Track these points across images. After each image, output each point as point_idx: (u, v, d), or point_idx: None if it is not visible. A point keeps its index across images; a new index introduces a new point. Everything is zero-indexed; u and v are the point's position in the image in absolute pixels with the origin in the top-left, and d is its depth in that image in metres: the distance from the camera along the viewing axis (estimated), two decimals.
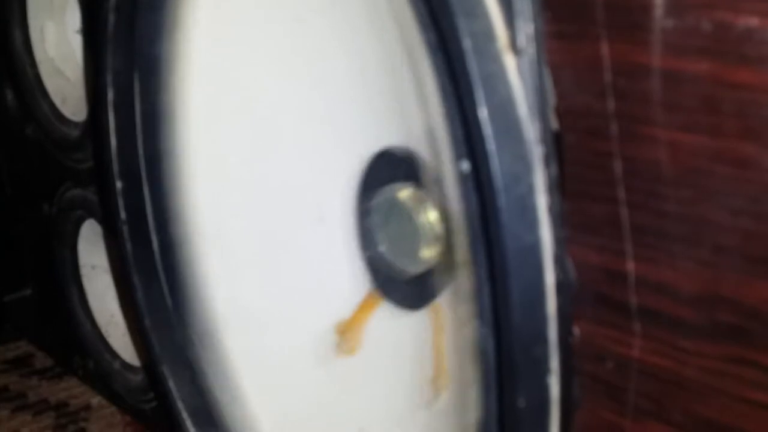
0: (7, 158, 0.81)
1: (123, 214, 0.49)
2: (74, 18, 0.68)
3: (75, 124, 0.65)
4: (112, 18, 0.45)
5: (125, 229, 0.49)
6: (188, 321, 0.50)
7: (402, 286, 0.47)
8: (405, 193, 0.45)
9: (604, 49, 0.30)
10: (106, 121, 0.46)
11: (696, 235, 0.29)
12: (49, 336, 0.88)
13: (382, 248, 0.47)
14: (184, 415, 0.51)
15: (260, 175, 0.47)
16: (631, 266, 0.32)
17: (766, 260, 0.28)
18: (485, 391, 0.31)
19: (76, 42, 0.69)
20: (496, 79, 0.27)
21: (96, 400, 0.80)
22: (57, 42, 0.69)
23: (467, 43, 0.26)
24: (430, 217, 0.44)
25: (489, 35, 0.27)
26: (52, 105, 0.67)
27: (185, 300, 0.50)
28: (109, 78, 0.46)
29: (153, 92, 0.46)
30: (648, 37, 0.29)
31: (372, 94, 0.43)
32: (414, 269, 0.46)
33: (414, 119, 0.41)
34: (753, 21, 0.26)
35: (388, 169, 0.45)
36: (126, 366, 0.73)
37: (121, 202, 0.49)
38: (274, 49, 0.45)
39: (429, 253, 0.45)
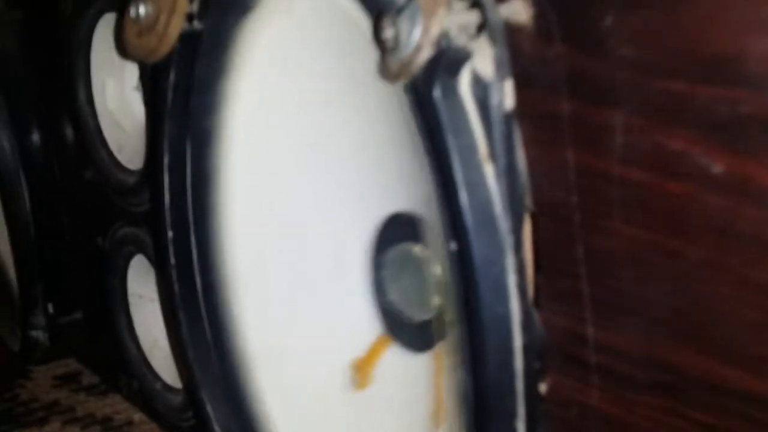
0: (67, 194, 0.89)
1: (173, 260, 0.56)
2: (132, 76, 0.76)
3: (130, 172, 0.72)
4: (170, 95, 0.53)
5: (174, 272, 0.57)
6: (225, 354, 0.58)
7: (410, 331, 0.54)
8: (414, 250, 0.52)
9: (570, 154, 0.37)
10: (161, 180, 0.54)
11: (638, 309, 0.36)
12: (96, 356, 0.96)
13: (393, 297, 0.54)
14: None
15: (289, 231, 0.55)
16: (590, 331, 0.39)
17: (690, 332, 0.34)
18: (466, 429, 0.38)
19: (134, 97, 0.76)
20: (477, 184, 0.34)
21: (138, 416, 0.88)
22: (116, 96, 0.77)
23: (454, 157, 0.33)
24: (435, 273, 0.51)
25: (472, 149, 0.34)
26: (110, 153, 0.75)
27: (223, 335, 0.57)
28: (166, 144, 0.54)
29: (202, 157, 0.54)
30: (603, 149, 0.35)
31: (385, 166, 0.50)
32: (420, 316, 0.53)
33: (419, 192, 0.48)
34: (680, 144, 0.33)
35: (399, 229, 0.52)
36: (167, 387, 0.80)
37: (171, 249, 0.56)
38: (303, 125, 0.52)
39: (433, 303, 0.52)
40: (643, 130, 0.34)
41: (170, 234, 0.56)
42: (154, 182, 0.55)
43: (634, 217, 0.35)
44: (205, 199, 0.55)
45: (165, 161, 0.53)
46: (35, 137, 0.88)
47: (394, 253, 0.53)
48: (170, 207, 0.55)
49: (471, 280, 0.35)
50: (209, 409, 0.58)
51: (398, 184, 0.49)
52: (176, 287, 0.57)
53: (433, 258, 0.51)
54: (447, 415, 0.50)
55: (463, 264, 0.35)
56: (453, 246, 0.36)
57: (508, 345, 0.35)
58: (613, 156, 0.35)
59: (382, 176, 0.50)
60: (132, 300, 0.83)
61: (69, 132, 0.86)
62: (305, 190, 0.53)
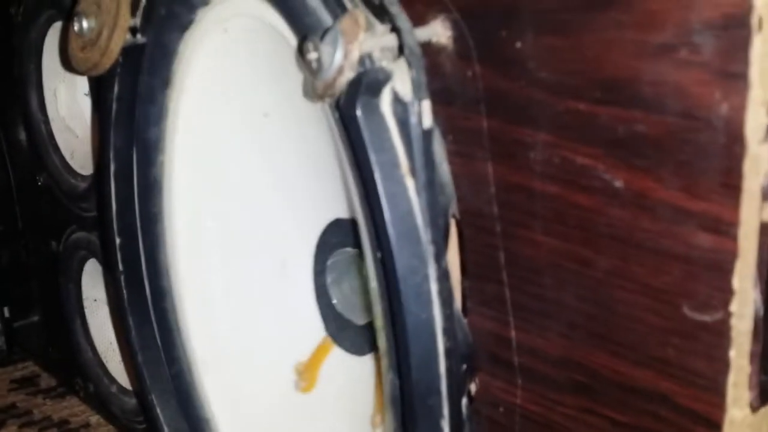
0: (21, 198, 0.89)
1: (121, 266, 0.58)
2: (84, 82, 0.77)
3: (82, 177, 0.73)
4: (115, 106, 0.54)
5: (122, 278, 0.58)
6: (174, 358, 0.59)
7: (352, 334, 0.55)
8: (354, 255, 0.54)
9: (490, 168, 0.39)
10: (108, 188, 0.55)
11: (555, 313, 0.38)
12: (53, 359, 0.97)
13: (335, 301, 0.56)
14: None
15: (232, 237, 0.56)
16: (513, 333, 0.41)
17: (602, 336, 0.36)
18: (395, 429, 0.40)
19: (85, 103, 0.78)
20: (399, 197, 0.36)
21: (95, 419, 0.89)
22: (68, 102, 0.78)
23: (377, 172, 0.35)
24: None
25: (394, 164, 0.35)
26: (62, 158, 0.76)
27: (171, 340, 0.59)
28: (111, 153, 0.55)
29: (147, 166, 0.55)
30: (520, 163, 0.37)
31: (323, 174, 0.52)
32: (362, 320, 0.55)
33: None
34: (586, 160, 0.35)
35: (339, 235, 0.54)
36: (122, 390, 0.81)
37: (119, 255, 0.57)
38: (245, 135, 0.54)
39: (372, 308, 0.54)
40: (554, 147, 0.36)
41: (118, 240, 0.57)
42: (101, 190, 0.56)
43: (550, 227, 0.37)
44: (151, 206, 0.56)
45: (111, 169, 0.54)
46: None
47: (335, 258, 0.55)
48: (117, 214, 0.56)
49: (394, 288, 0.36)
50: (159, 411, 0.59)
51: (338, 192, 0.51)
52: (125, 293, 0.58)
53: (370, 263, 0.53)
54: (384, 417, 0.52)
55: (386, 272, 0.36)
56: (378, 255, 0.38)
57: (432, 349, 0.37)
58: (529, 170, 0.37)
59: (322, 184, 0.52)
60: (87, 303, 0.84)
61: (23, 136, 0.87)
62: (249, 198, 0.55)
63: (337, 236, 0.54)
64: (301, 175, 0.53)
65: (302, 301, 0.57)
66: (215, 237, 0.56)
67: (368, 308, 0.54)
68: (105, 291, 0.81)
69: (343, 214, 0.53)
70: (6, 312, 0.93)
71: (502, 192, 0.39)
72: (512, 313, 0.40)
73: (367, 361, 0.55)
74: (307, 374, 0.57)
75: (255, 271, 0.57)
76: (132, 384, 0.76)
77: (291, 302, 0.57)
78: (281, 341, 0.58)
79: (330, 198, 0.52)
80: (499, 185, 0.39)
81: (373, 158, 0.35)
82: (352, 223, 0.53)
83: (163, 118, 0.53)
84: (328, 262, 0.55)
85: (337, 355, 0.56)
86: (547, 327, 0.39)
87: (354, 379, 0.56)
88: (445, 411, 0.38)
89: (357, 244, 0.54)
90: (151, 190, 0.56)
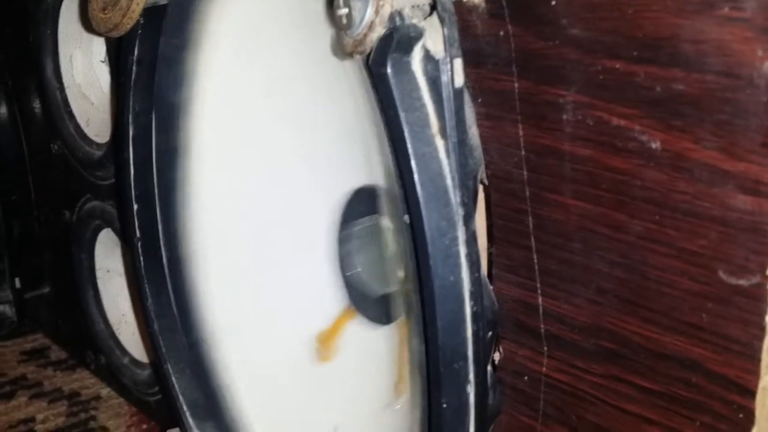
0: (34, 168, 0.89)
1: (138, 233, 0.57)
2: (100, 48, 0.77)
3: (97, 145, 0.73)
4: (135, 69, 0.53)
5: (139, 245, 0.57)
6: (191, 327, 0.59)
7: (374, 303, 0.55)
8: (379, 223, 0.53)
9: (520, 130, 0.38)
10: (126, 153, 0.55)
11: (585, 279, 0.37)
12: (64, 331, 0.97)
13: (358, 270, 0.55)
14: (185, 408, 0.59)
15: (255, 204, 0.56)
16: (540, 300, 0.40)
17: (633, 302, 0.36)
18: (422, 395, 0.40)
19: (101, 70, 0.77)
20: (429, 157, 0.35)
21: (105, 391, 0.89)
22: (83, 69, 0.77)
23: (407, 131, 0.34)
24: (398, 245, 0.53)
25: (424, 123, 0.35)
26: (77, 126, 0.75)
27: (189, 308, 0.58)
28: (130, 117, 0.55)
29: (168, 131, 0.55)
30: (551, 125, 0.37)
31: (350, 140, 0.51)
32: (384, 289, 0.54)
33: (382, 166, 0.49)
34: (621, 121, 0.34)
35: (364, 203, 0.53)
36: (134, 362, 0.81)
37: (136, 222, 0.57)
38: (270, 99, 0.53)
39: (397, 276, 0.53)
40: (588, 108, 0.35)
41: (136, 207, 0.56)
42: (119, 155, 0.55)
43: (581, 191, 0.36)
44: (171, 172, 0.55)
45: (130, 134, 0.54)
46: (2, 109, 0.88)
47: (359, 226, 0.54)
48: (136, 180, 0.56)
49: (422, 251, 0.36)
50: (173, 381, 0.59)
51: (363, 159, 0.50)
52: (141, 260, 0.57)
53: (396, 231, 0.52)
54: (407, 384, 0.52)
55: (415, 235, 0.36)
56: (406, 219, 0.37)
57: (459, 312, 0.37)
58: (561, 132, 0.36)
59: (349, 151, 0.51)
60: (99, 274, 0.83)
61: (37, 104, 0.86)
62: (273, 164, 0.54)
63: (362, 204, 0.53)
64: (328, 141, 0.53)
65: (324, 270, 0.56)
66: (237, 203, 0.55)
67: (391, 277, 0.54)
68: (121, 261, 0.81)
69: (368, 181, 0.52)
70: (17, 283, 0.93)
71: (532, 155, 0.38)
72: (539, 279, 0.40)
73: (388, 331, 0.54)
74: (327, 343, 0.56)
75: (277, 239, 0.56)
76: (147, 354, 0.76)
77: (312, 270, 0.57)
78: (301, 310, 0.57)
79: (356, 165, 0.52)
80: (529, 148, 0.38)
81: (402, 117, 0.34)
82: (376, 191, 0.52)
83: (185, 82, 0.53)
84: (351, 231, 0.54)
85: (358, 324, 0.56)
86: (575, 293, 0.38)
87: (375, 349, 0.55)
88: (471, 377, 0.37)
89: (381, 212, 0.53)
90: (171, 155, 0.55)
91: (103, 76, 0.78)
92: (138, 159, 0.55)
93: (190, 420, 0.59)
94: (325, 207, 0.55)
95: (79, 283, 0.84)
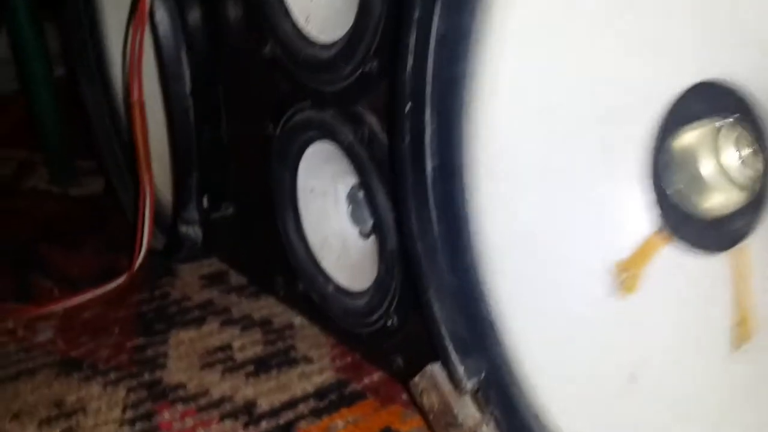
0: (228, 78, 0.81)
1: (407, 137, 0.49)
2: None
3: (323, 45, 0.64)
4: None
5: (408, 151, 0.49)
6: (456, 248, 0.50)
7: (699, 228, 0.45)
8: (718, 128, 0.44)
9: None
10: (408, 39, 0.46)
11: None
12: (246, 256, 0.90)
13: (680, 187, 0.46)
14: (447, 341, 0.51)
15: (557, 103, 0.46)
16: None
17: None
18: None
19: None
20: None
21: (298, 320, 0.82)
22: None
23: None
24: (745, 157, 0.43)
25: None
26: (294, 25, 0.67)
27: (456, 227, 0.50)
28: None
29: (454, 13, 0.45)
30: None
31: (693, 18, 0.41)
32: (715, 211, 0.44)
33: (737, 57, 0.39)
34: None
35: (701, 103, 0.43)
36: (339, 290, 0.73)
37: (407, 125, 0.48)
38: None
39: (737, 196, 0.44)
40: None
41: (408, 105, 0.48)
42: (400, 41, 0.47)
43: None
44: (455, 64, 0.46)
45: (414, 16, 0.45)
46: (197, 15, 0.80)
47: (687, 131, 0.44)
48: (411, 74, 0.47)
49: None
50: (436, 309, 0.51)
51: (714, 45, 0.40)
52: (409, 169, 0.49)
53: (745, 140, 0.42)
54: (757, 328, 0.42)
55: None
56: None
57: None
58: None
59: (692, 33, 0.41)
60: (301, 195, 0.75)
61: (232, 10, 0.79)
62: (585, 52, 0.45)
63: (697, 104, 0.43)
64: (660, 22, 0.43)
65: (630, 186, 0.47)
66: (536, 102, 0.46)
67: (731, 198, 0.44)
68: (326, 179, 0.73)
69: (713, 75, 0.42)
70: (205, 201, 0.86)
71: None
72: None
73: (716, 261, 0.45)
74: (629, 273, 0.47)
75: (577, 146, 0.47)
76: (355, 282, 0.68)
77: (616, 187, 0.47)
78: (598, 234, 0.48)
79: (698, 54, 0.42)
80: None
81: None
82: (721, 88, 0.42)
83: None
84: (678, 137, 0.45)
85: (672, 251, 0.46)
86: None
87: (691, 282, 0.46)
88: None
89: (724, 114, 0.43)
90: (457, 43, 0.46)
91: None
92: (417, 48, 0.46)
93: (453, 353, 0.51)
94: (644, 107, 0.45)
95: (279, 204, 0.76)
